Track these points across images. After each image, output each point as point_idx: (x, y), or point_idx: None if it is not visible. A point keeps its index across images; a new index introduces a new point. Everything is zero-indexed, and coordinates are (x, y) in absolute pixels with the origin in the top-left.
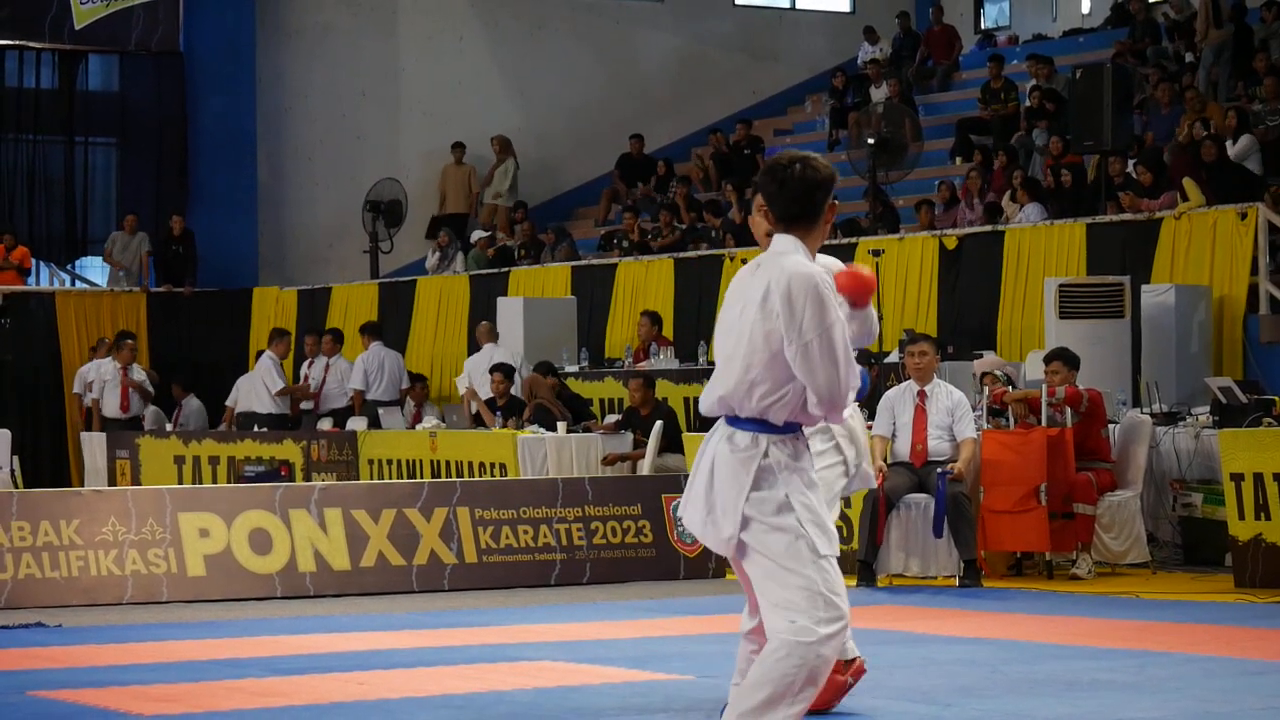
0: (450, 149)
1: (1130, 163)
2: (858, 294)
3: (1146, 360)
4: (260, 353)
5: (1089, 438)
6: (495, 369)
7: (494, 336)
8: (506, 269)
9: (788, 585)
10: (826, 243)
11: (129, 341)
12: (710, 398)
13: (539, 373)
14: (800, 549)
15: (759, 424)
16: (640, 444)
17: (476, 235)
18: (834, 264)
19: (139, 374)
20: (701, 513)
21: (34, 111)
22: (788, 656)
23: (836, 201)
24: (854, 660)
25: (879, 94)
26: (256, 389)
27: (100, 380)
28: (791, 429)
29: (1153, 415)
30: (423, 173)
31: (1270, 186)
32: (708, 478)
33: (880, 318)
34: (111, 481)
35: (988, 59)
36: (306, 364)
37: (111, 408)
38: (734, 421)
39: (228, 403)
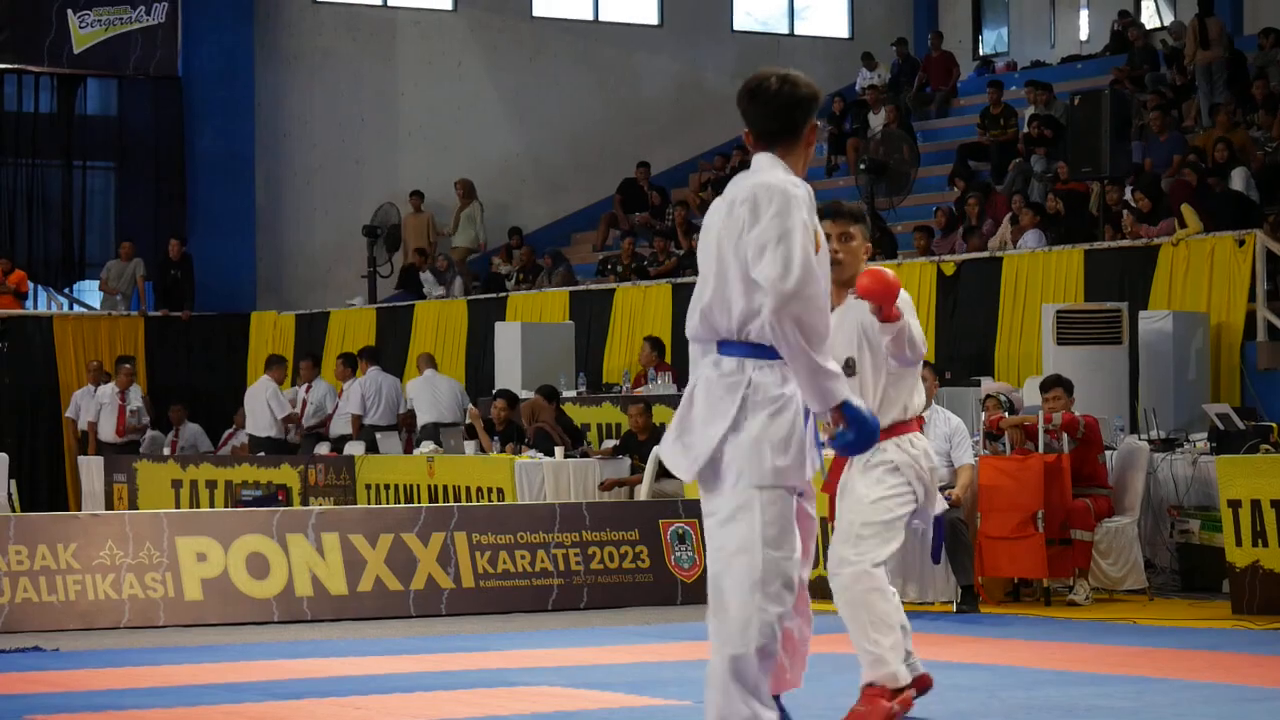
0: (409, 196)
1: (1128, 189)
2: (879, 295)
3: (1144, 386)
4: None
5: (1086, 464)
6: (498, 395)
7: (431, 364)
8: (504, 294)
9: (736, 548)
10: None
11: (126, 366)
12: (692, 319)
13: (541, 397)
14: (755, 525)
15: (744, 346)
16: (638, 469)
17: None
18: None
19: (136, 401)
20: (673, 434)
21: (32, 135)
22: (746, 604)
23: (819, 123)
24: (904, 689)
25: (877, 120)
26: (256, 413)
27: (97, 404)
28: (776, 354)
29: (1150, 441)
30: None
31: (1269, 215)
32: (688, 401)
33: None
34: (109, 505)
35: (987, 85)
36: (304, 388)
37: (108, 432)
38: (720, 346)
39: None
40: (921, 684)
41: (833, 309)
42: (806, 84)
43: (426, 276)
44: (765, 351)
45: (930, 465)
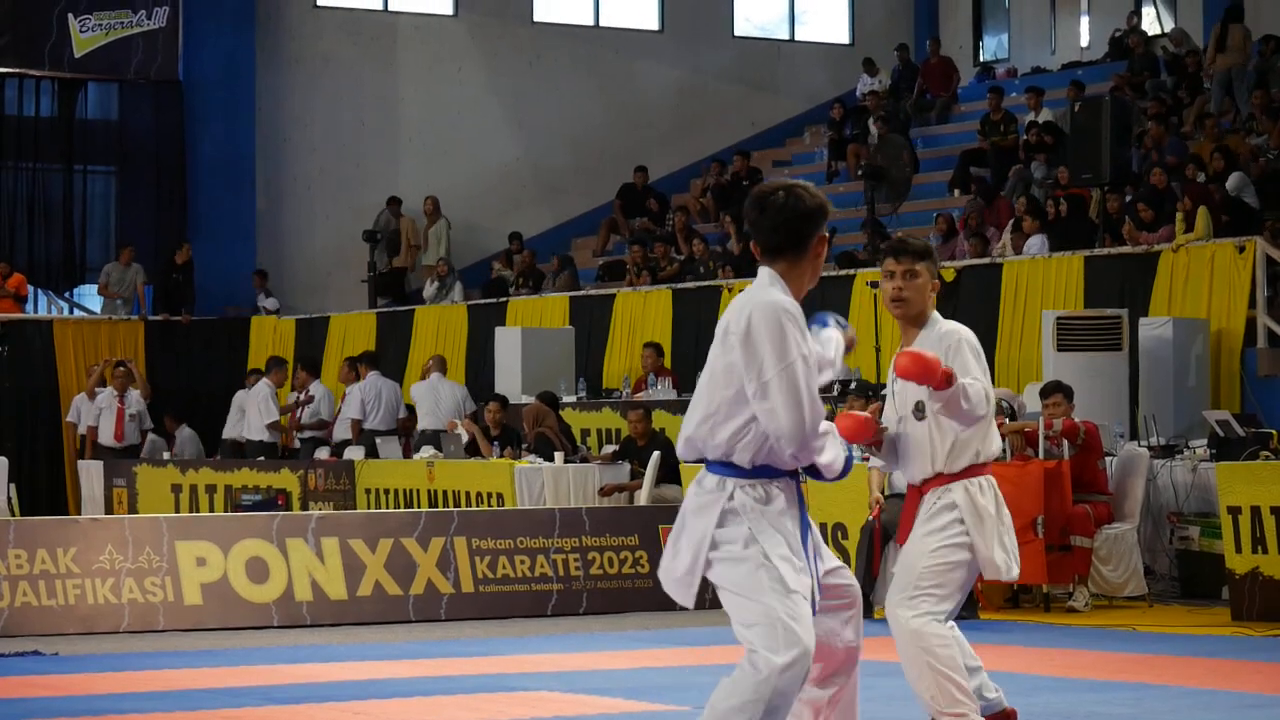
0: (386, 203)
1: (1129, 197)
2: (916, 377)
3: (1144, 393)
4: (254, 370)
5: (1086, 470)
6: (493, 399)
7: (441, 367)
8: (504, 299)
9: (747, 616)
10: (825, 274)
11: (121, 369)
12: (680, 440)
13: (543, 403)
14: (761, 578)
15: (726, 466)
16: (637, 474)
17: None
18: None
19: (135, 404)
20: (669, 555)
21: (33, 139)
22: (741, 690)
23: (828, 234)
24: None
25: (877, 126)
26: (249, 417)
27: (96, 409)
28: (763, 473)
29: (1150, 448)
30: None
31: (1268, 221)
32: (680, 521)
33: (878, 349)
34: (109, 510)
35: (987, 91)
36: (302, 393)
37: (107, 436)
38: (706, 464)
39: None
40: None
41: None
42: (813, 196)
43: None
44: (747, 472)
45: (996, 511)
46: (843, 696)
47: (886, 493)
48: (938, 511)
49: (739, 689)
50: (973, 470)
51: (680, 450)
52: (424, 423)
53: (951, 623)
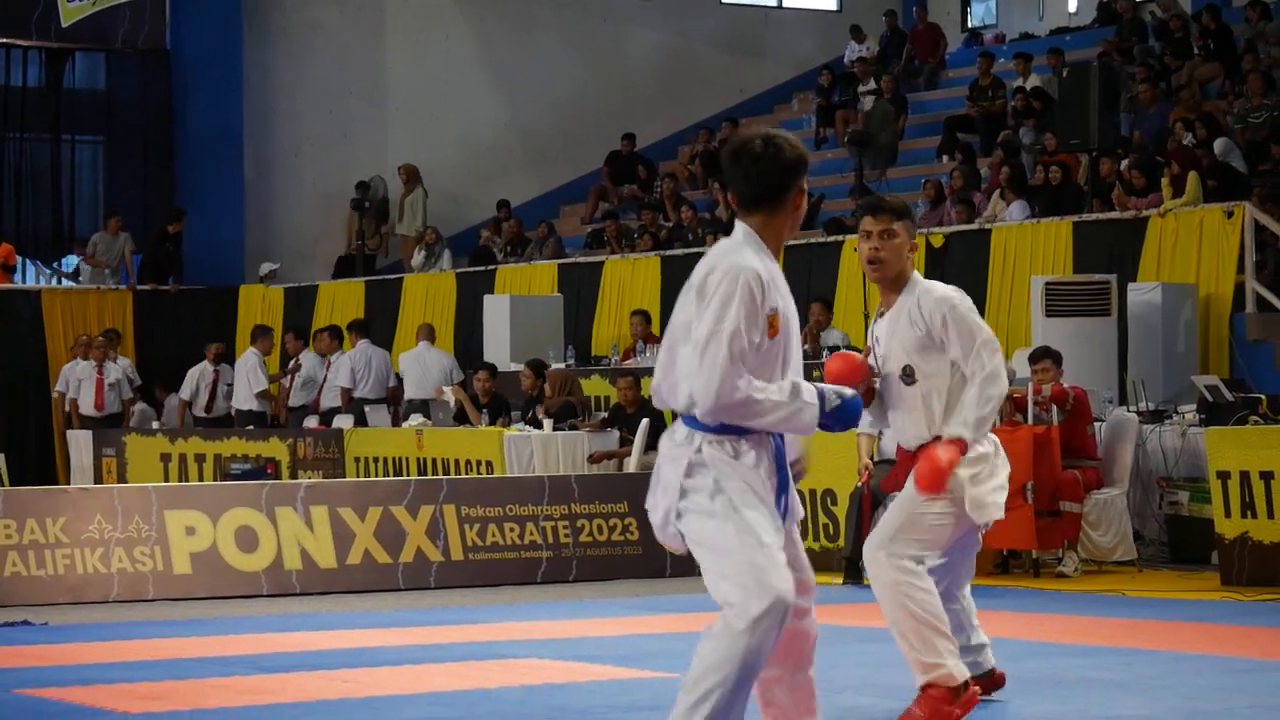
0: (355, 187)
1: (1123, 163)
2: (845, 381)
3: (1133, 358)
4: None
5: (1075, 436)
6: (482, 366)
7: (429, 336)
8: (493, 267)
9: (719, 571)
10: (810, 241)
11: (100, 339)
12: (650, 389)
13: (533, 371)
14: (729, 530)
15: (693, 420)
16: (626, 442)
17: (266, 268)
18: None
19: (114, 373)
20: (650, 504)
21: (20, 109)
22: (716, 649)
23: (807, 188)
24: (966, 687)
25: (867, 92)
26: (237, 387)
27: (78, 379)
28: (730, 430)
29: (1139, 413)
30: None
31: (1256, 186)
32: (656, 470)
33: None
34: (98, 479)
35: (976, 57)
36: (292, 362)
37: (87, 405)
38: (681, 416)
39: (182, 395)
40: (994, 682)
41: (882, 313)
42: (792, 146)
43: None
44: (714, 429)
45: (999, 457)
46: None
47: (875, 458)
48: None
49: (714, 649)
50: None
51: (653, 399)
52: (411, 391)
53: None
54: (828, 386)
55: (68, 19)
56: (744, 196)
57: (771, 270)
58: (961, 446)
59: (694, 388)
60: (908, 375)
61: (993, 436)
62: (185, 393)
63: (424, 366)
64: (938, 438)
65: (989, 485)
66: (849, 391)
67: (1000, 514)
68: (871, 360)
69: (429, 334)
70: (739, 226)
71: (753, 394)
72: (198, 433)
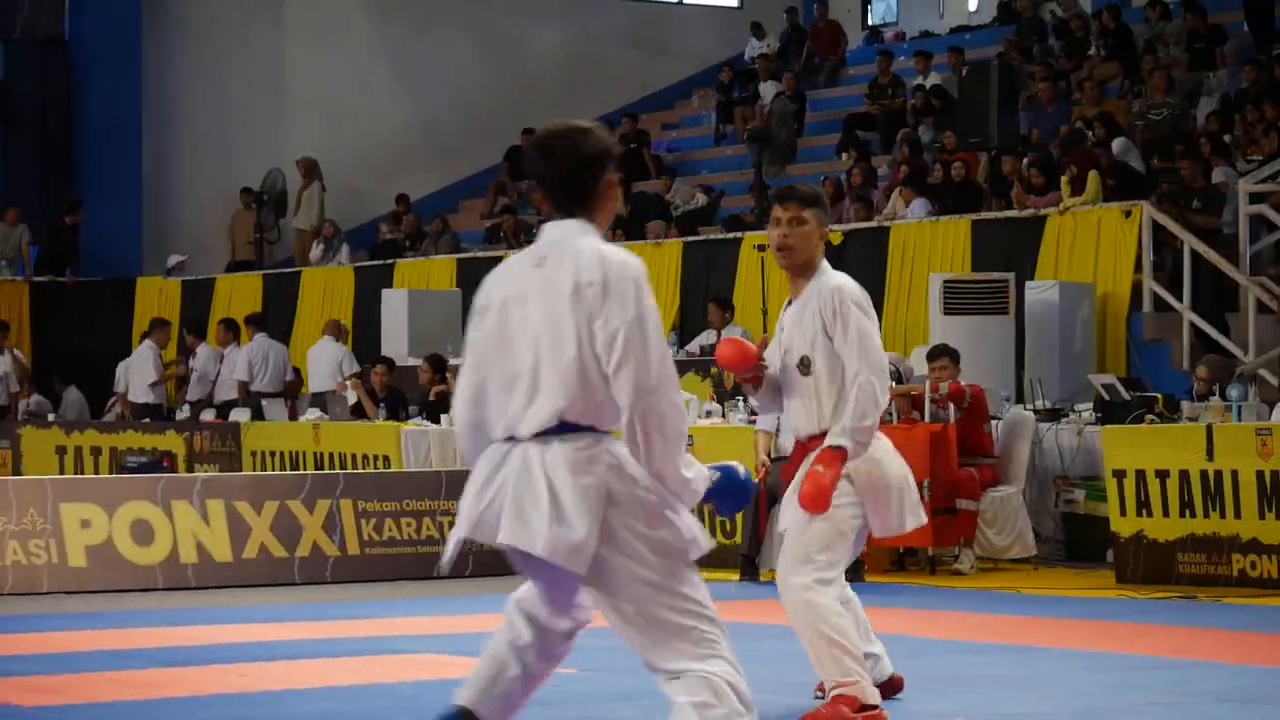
0: (240, 194)
1: (1023, 161)
2: (735, 367)
3: (1030, 357)
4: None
5: (972, 433)
6: (380, 361)
7: (334, 332)
8: (391, 261)
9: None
10: (709, 238)
11: None
12: (537, 413)
13: (432, 366)
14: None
15: (590, 428)
16: None
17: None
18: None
19: (3, 366)
20: (515, 515)
21: None
22: None
23: (617, 177)
24: (874, 708)
25: (768, 89)
26: (133, 380)
27: None
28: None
29: (1036, 411)
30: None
31: (1160, 185)
32: (518, 481)
33: (765, 311)
34: None
35: (876, 55)
36: (189, 356)
37: None
38: (560, 429)
39: (117, 389)
40: (893, 686)
41: (791, 302)
42: (598, 137)
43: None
44: (602, 431)
45: (888, 462)
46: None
47: (772, 455)
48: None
49: None
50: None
51: (542, 421)
52: (315, 386)
53: (846, 585)
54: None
55: None
56: (556, 194)
57: None
58: (841, 457)
59: (632, 376)
60: (804, 365)
61: (881, 436)
62: (119, 385)
63: (316, 360)
64: (827, 431)
65: (902, 499)
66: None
67: (914, 521)
68: (773, 348)
69: (332, 329)
70: (568, 223)
71: (679, 397)
72: (94, 425)
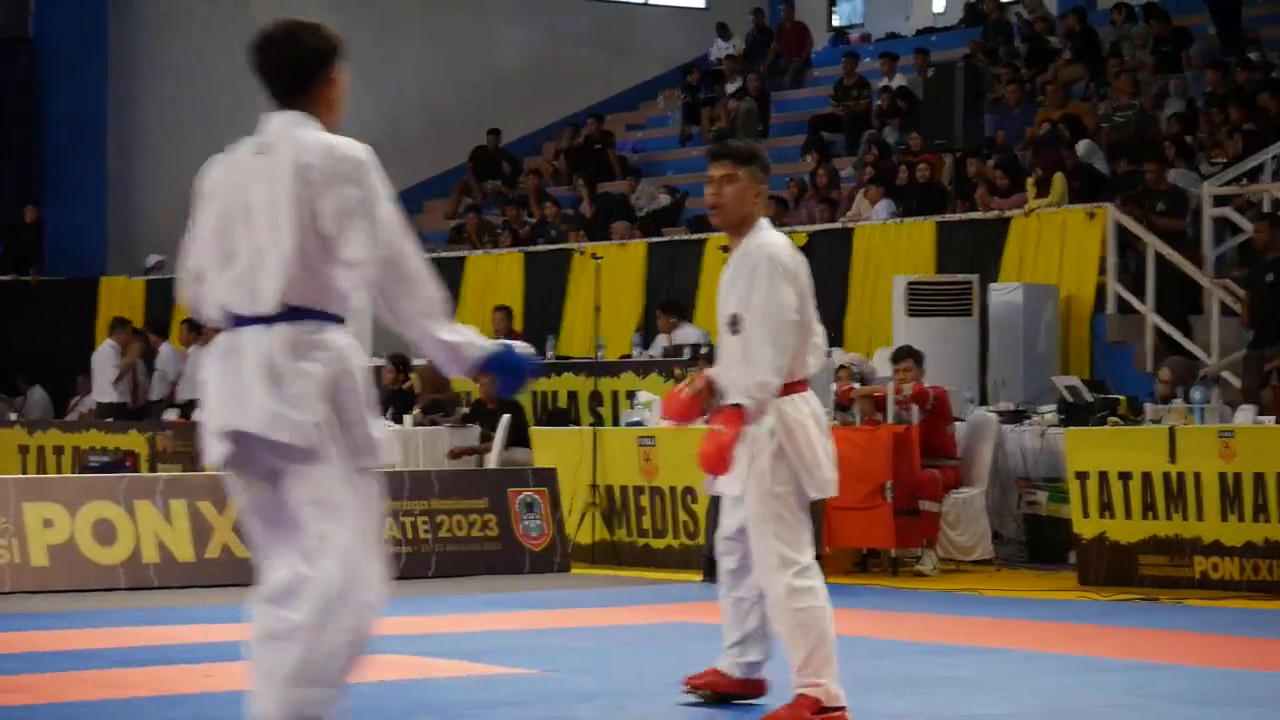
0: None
1: (988, 163)
2: (714, 464)
3: (994, 358)
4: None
5: (935, 435)
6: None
7: None
8: None
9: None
10: (673, 239)
11: None
12: (258, 298)
13: (394, 365)
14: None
15: (315, 313)
16: (487, 438)
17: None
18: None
19: None
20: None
21: None
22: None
23: (339, 78)
24: (836, 710)
25: (732, 90)
26: (95, 379)
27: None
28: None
29: (999, 413)
30: None
31: (1128, 187)
32: (242, 366)
33: None
34: None
35: (841, 56)
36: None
37: None
38: (286, 314)
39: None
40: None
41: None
42: (322, 35)
43: None
44: (336, 317)
45: (818, 427)
46: None
47: None
48: (758, 452)
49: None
50: (791, 388)
51: (266, 302)
52: None
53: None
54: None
55: None
56: (276, 89)
57: None
58: (741, 416)
59: (358, 252)
60: (734, 324)
61: (809, 398)
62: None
63: None
64: None
65: (827, 458)
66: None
67: (834, 489)
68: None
69: None
70: (287, 114)
71: (421, 268)
72: (57, 425)
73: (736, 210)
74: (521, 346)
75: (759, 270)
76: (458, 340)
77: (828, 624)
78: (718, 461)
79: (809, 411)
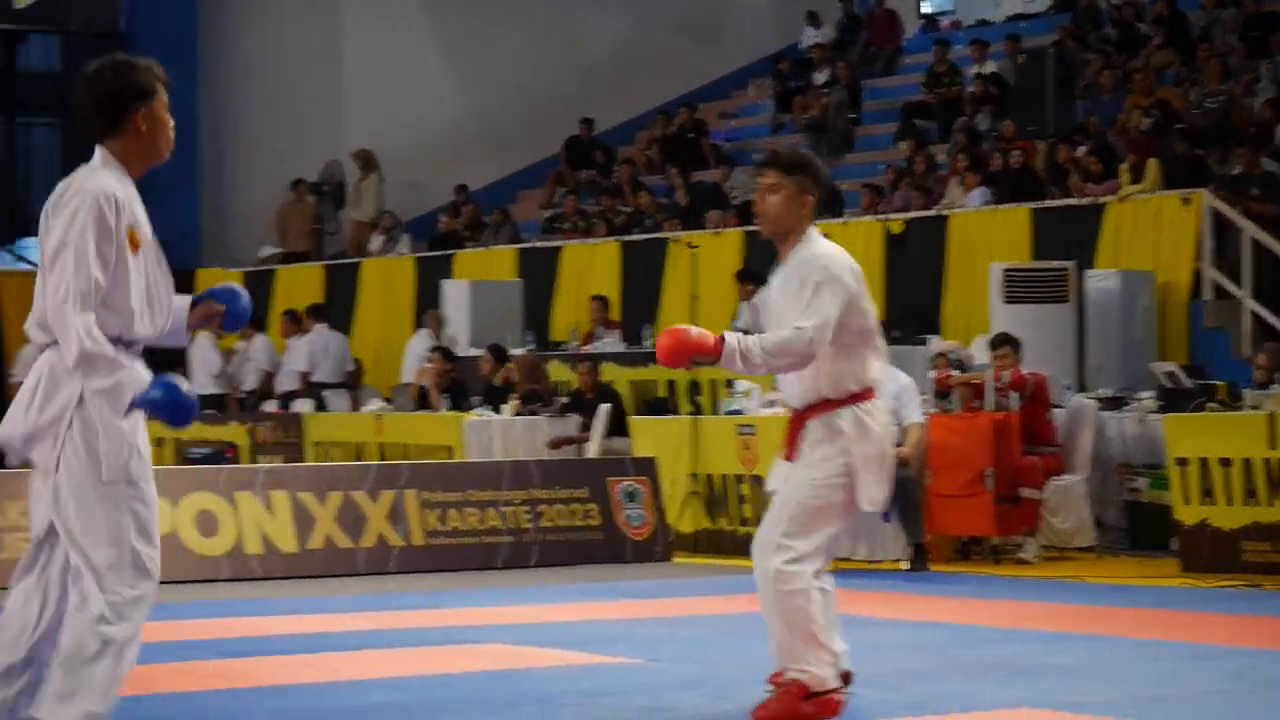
0: (291, 186)
1: (1080, 150)
2: (673, 358)
3: (1091, 345)
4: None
5: (1034, 422)
6: (436, 350)
7: (436, 327)
8: (451, 251)
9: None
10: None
11: None
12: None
13: (494, 356)
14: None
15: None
16: (586, 427)
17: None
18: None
19: None
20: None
21: None
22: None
23: (147, 119)
24: (826, 693)
25: (822, 78)
26: (194, 371)
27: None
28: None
29: (1098, 400)
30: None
31: (1220, 173)
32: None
33: None
34: None
35: (932, 43)
36: (245, 346)
37: None
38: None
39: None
40: (844, 679)
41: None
42: (123, 74)
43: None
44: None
45: (883, 436)
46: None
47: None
48: (818, 443)
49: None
50: (857, 397)
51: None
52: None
53: (824, 575)
54: (171, 378)
55: (22, 1)
56: (92, 124)
57: (129, 192)
58: (720, 349)
59: (48, 290)
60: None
61: (869, 409)
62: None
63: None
64: (827, 400)
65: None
66: (184, 387)
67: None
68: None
69: (434, 322)
70: (97, 150)
71: (87, 325)
72: None
73: (782, 220)
74: (185, 385)
75: (818, 280)
76: (109, 386)
77: (814, 608)
78: (674, 356)
79: (883, 423)
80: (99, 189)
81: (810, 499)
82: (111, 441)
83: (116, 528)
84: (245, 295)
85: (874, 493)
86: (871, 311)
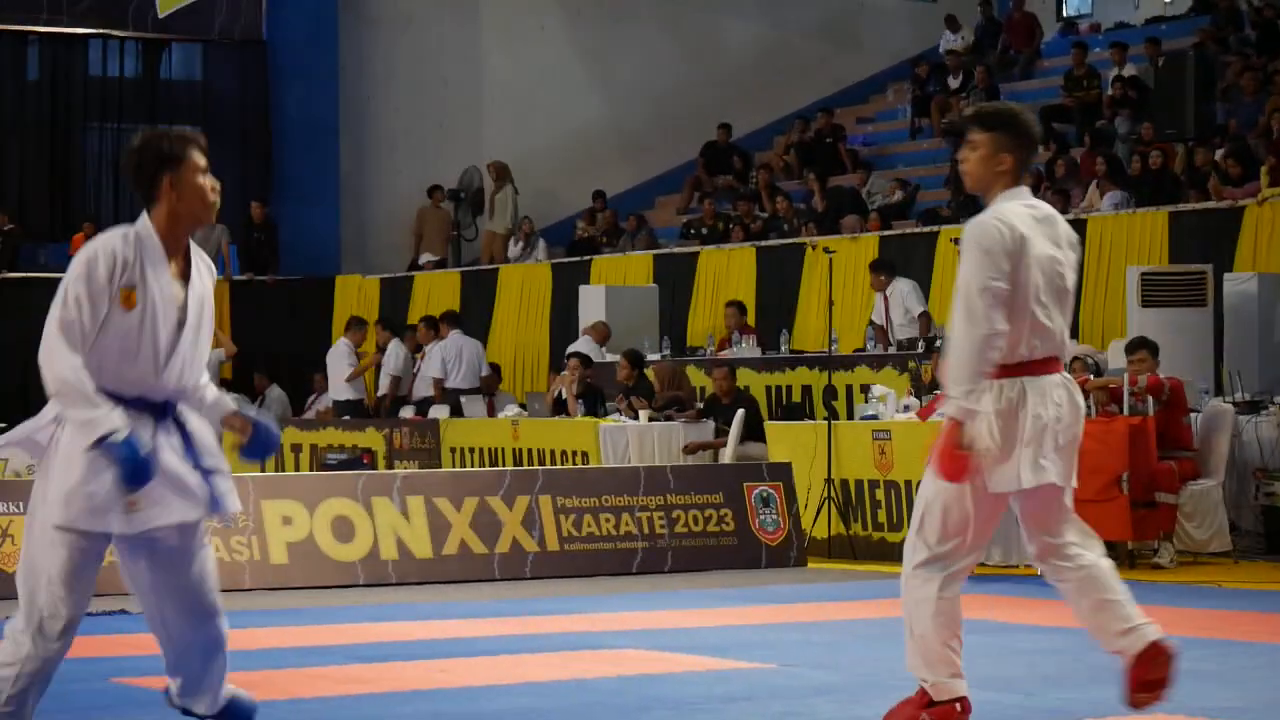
0: (428, 192)
1: (1218, 153)
2: (955, 474)
3: (1229, 349)
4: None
5: (1171, 426)
6: (573, 356)
7: (600, 336)
8: (588, 257)
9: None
10: (905, 231)
11: None
12: None
13: (630, 362)
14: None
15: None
16: (722, 432)
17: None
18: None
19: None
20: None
21: (118, 100)
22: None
23: (176, 184)
24: (944, 704)
25: (955, 84)
26: (332, 377)
27: None
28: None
29: (1235, 404)
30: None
31: None
32: None
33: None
34: None
35: (1070, 46)
36: (380, 353)
37: None
38: None
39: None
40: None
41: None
42: (149, 151)
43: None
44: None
45: (1030, 418)
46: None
47: None
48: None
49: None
50: (1007, 369)
51: None
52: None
53: (948, 582)
54: (137, 440)
55: (164, 9)
56: (139, 195)
57: (153, 257)
58: (958, 426)
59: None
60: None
61: (1025, 384)
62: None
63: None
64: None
65: (1028, 452)
66: (144, 452)
67: (1033, 477)
68: None
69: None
70: (141, 217)
71: (75, 373)
72: (294, 423)
73: (978, 177)
74: (143, 448)
75: (969, 254)
76: (81, 423)
77: (929, 619)
78: (956, 473)
79: (1015, 400)
80: (102, 244)
81: (934, 498)
82: (68, 475)
83: (41, 560)
84: (278, 439)
85: (1000, 472)
86: (1033, 285)
